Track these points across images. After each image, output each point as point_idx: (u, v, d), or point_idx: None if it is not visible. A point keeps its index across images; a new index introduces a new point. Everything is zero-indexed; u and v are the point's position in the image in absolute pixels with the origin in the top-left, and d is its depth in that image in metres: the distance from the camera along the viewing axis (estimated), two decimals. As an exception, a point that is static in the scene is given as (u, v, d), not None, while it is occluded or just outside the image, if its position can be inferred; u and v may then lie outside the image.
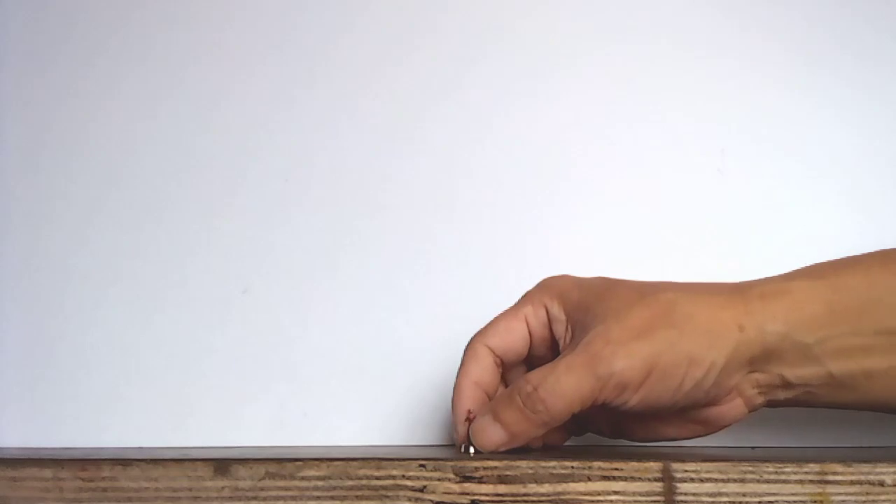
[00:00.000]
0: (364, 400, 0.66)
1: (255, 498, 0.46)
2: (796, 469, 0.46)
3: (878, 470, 0.46)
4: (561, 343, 0.53)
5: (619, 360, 0.48)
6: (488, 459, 0.47)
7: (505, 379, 0.56)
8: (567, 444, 0.63)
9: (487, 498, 0.46)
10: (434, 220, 0.68)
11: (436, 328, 0.66)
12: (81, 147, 0.69)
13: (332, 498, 0.46)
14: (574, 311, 0.52)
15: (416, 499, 0.46)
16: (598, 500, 0.46)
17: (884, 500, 0.45)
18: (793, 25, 0.68)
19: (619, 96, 0.68)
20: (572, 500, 0.46)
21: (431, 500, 0.46)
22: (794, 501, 0.46)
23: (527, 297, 0.54)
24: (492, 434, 0.50)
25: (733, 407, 0.51)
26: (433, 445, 0.65)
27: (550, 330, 0.54)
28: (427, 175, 0.68)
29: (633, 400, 0.49)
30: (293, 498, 0.46)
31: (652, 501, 0.46)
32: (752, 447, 0.63)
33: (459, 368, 0.54)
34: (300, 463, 0.46)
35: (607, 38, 0.68)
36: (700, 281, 0.52)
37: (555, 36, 0.69)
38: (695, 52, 0.68)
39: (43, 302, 0.68)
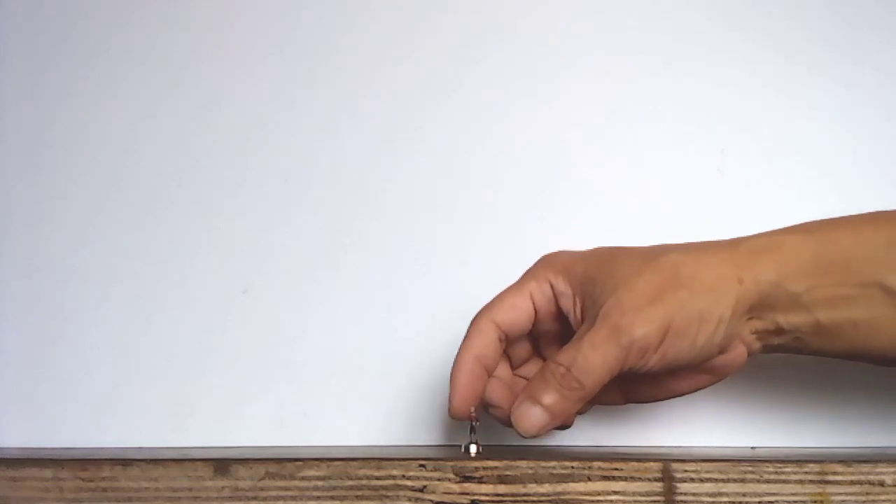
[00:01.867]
0: (364, 400, 0.66)
1: (255, 498, 0.46)
2: (796, 469, 0.46)
3: (878, 470, 0.46)
4: (570, 316, 0.54)
5: (638, 327, 0.50)
6: (488, 459, 0.47)
7: (508, 353, 0.57)
8: (567, 444, 0.63)
9: (487, 498, 0.46)
10: (434, 220, 0.68)
11: (436, 328, 0.66)
12: (81, 147, 0.69)
13: (332, 498, 0.46)
14: (580, 284, 0.54)
15: (416, 499, 0.46)
16: (598, 500, 0.46)
17: (884, 500, 0.45)
18: (792, 27, 0.68)
19: (619, 96, 0.68)
20: (572, 500, 0.46)
21: (431, 500, 0.46)
22: (794, 501, 0.46)
23: (530, 274, 0.56)
24: (534, 418, 0.51)
25: (737, 354, 0.53)
26: (433, 445, 0.65)
27: (556, 304, 0.55)
28: (427, 175, 0.68)
29: (653, 361, 0.51)
30: (293, 498, 0.46)
31: (652, 501, 0.46)
32: (752, 447, 0.63)
33: (462, 342, 0.55)
34: (300, 463, 0.46)
35: (607, 38, 0.69)
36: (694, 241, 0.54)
37: (555, 36, 0.69)
38: (695, 52, 0.68)
39: (43, 302, 0.68)
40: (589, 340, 0.50)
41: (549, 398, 0.51)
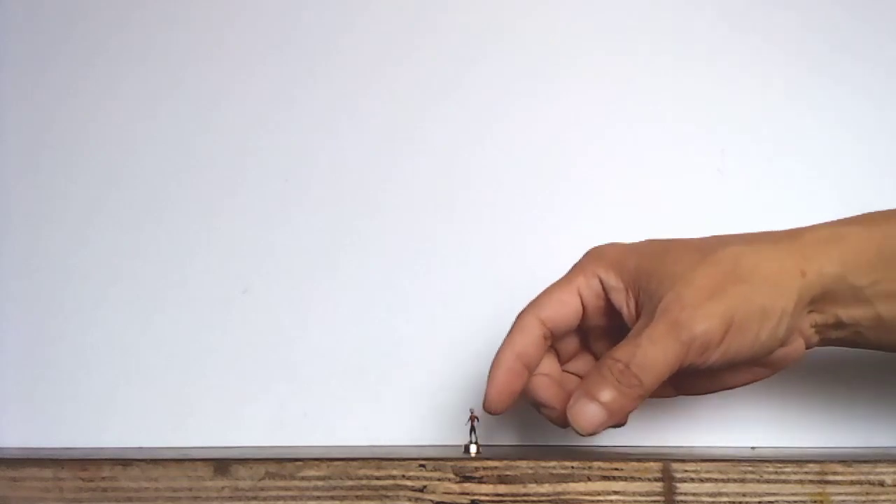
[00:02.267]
0: (364, 400, 0.66)
1: (255, 498, 0.46)
2: (796, 469, 0.46)
3: (878, 470, 0.46)
4: (624, 311, 0.53)
5: (699, 323, 0.48)
6: (488, 459, 0.47)
7: (555, 348, 0.56)
8: (567, 444, 0.63)
9: (487, 498, 0.46)
10: (434, 220, 0.68)
11: (436, 328, 0.66)
12: (81, 147, 0.69)
13: (332, 498, 0.46)
14: (633, 279, 0.52)
15: (416, 499, 0.46)
16: (598, 500, 0.46)
17: (884, 500, 0.45)
18: (792, 26, 0.68)
19: (619, 96, 0.68)
20: (572, 500, 0.46)
21: (431, 500, 0.46)
22: (794, 501, 0.46)
23: (578, 268, 0.54)
24: (592, 415, 0.49)
25: (796, 347, 0.52)
26: (433, 445, 0.65)
27: (606, 300, 0.54)
28: (427, 175, 0.68)
29: (714, 357, 0.49)
30: (293, 498, 0.46)
31: (652, 501, 0.46)
32: (752, 447, 0.63)
33: (505, 337, 0.54)
34: (300, 463, 0.46)
35: (607, 38, 0.69)
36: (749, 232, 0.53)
37: (555, 36, 0.69)
38: (695, 52, 0.68)
39: (43, 302, 0.68)
40: (648, 336, 0.49)
41: (607, 395, 0.49)
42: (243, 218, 0.68)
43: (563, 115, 0.68)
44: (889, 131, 0.67)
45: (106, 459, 0.47)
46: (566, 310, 0.54)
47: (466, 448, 0.53)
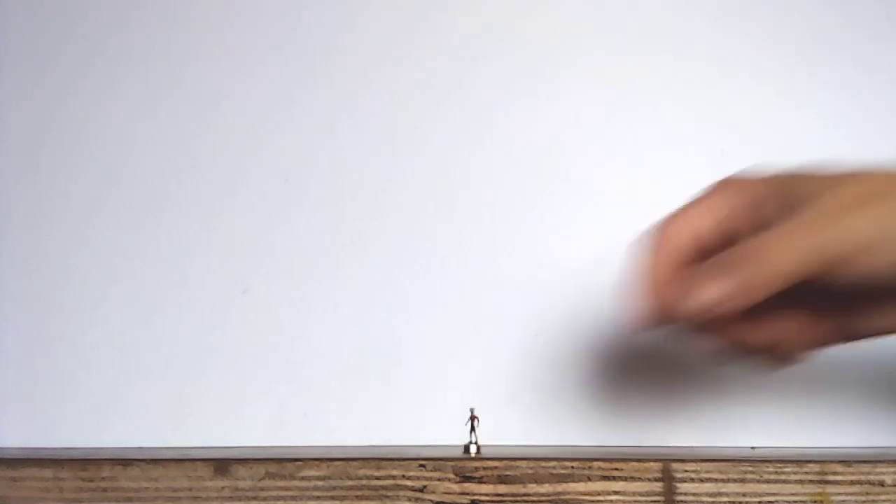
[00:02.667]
0: (364, 400, 0.66)
1: (255, 498, 0.46)
2: (796, 469, 0.46)
3: (878, 470, 0.46)
4: (759, 228, 0.48)
5: (838, 227, 0.45)
6: (488, 459, 0.47)
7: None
8: (567, 444, 0.63)
9: (487, 498, 0.46)
10: (434, 220, 0.68)
11: (436, 328, 0.66)
12: (81, 147, 0.69)
13: (332, 498, 0.46)
14: (768, 200, 0.49)
15: (416, 499, 0.46)
16: (598, 500, 0.46)
17: (884, 500, 0.45)
18: (792, 27, 0.68)
19: (619, 96, 0.68)
20: (572, 500, 0.46)
21: (431, 500, 0.46)
22: (794, 501, 0.46)
23: (712, 192, 0.51)
24: (709, 294, 0.45)
25: None
26: (433, 445, 0.65)
27: (739, 221, 0.50)
28: (427, 175, 0.68)
29: (851, 270, 0.45)
30: (293, 498, 0.46)
31: (652, 501, 0.46)
32: (752, 447, 0.63)
33: (647, 251, 0.49)
34: (300, 463, 0.46)
35: (607, 38, 0.69)
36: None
37: (555, 36, 0.69)
38: (695, 52, 0.68)
39: (43, 302, 0.68)
40: (781, 228, 0.46)
41: (724, 281, 0.45)
42: (243, 218, 0.68)
43: (563, 115, 0.68)
44: (889, 131, 0.67)
45: (106, 459, 0.47)
46: (700, 223, 0.50)
47: (466, 448, 0.53)
